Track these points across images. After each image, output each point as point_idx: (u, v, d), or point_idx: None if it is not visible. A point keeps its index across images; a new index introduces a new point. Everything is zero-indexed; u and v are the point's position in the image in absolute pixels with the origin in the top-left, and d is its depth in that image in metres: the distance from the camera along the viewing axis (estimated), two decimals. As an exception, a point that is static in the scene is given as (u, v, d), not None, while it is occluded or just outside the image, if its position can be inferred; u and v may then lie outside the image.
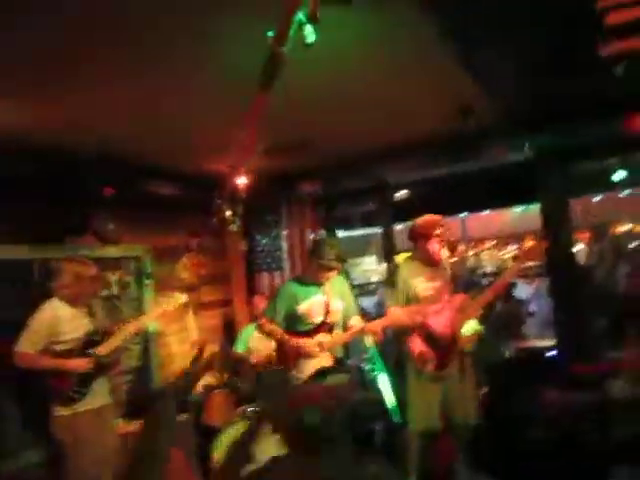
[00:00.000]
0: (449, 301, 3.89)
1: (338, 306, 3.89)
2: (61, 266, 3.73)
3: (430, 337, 3.81)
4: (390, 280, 4.26)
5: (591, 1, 2.57)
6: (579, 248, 9.02)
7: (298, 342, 3.75)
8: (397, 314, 3.74)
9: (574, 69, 3.39)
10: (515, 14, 2.68)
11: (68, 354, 3.59)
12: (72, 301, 3.66)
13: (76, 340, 3.63)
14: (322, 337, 3.79)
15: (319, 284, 3.84)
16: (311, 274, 3.89)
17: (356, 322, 3.92)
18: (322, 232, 5.98)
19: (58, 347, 3.57)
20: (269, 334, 3.95)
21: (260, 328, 3.98)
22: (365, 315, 4.01)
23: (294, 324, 3.86)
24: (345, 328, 3.93)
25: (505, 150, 4.77)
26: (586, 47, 2.99)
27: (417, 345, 3.81)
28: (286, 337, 3.81)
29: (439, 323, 3.80)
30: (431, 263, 3.87)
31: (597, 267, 8.85)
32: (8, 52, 2.58)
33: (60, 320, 3.57)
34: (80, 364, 3.59)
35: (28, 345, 3.48)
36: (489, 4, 2.58)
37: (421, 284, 3.84)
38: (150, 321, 4.08)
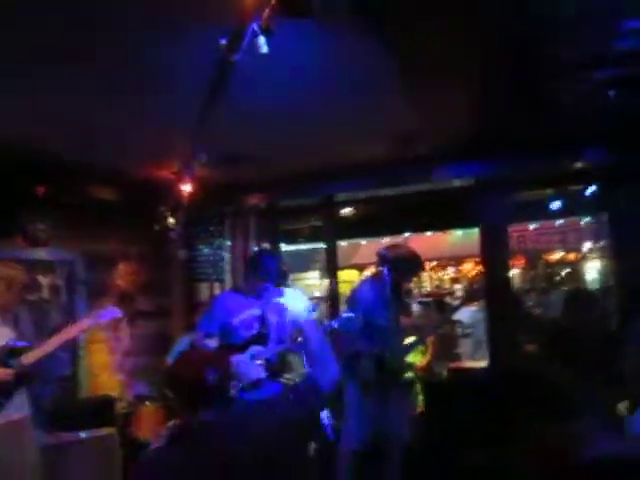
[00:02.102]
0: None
1: (273, 319, 3.88)
2: None
3: (379, 362, 3.87)
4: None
5: (537, 40, 2.69)
6: (514, 273, 9.35)
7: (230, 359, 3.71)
8: None
9: (517, 100, 3.52)
10: (461, 46, 2.76)
11: None
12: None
13: None
14: (255, 349, 3.78)
15: (256, 297, 3.83)
16: (248, 287, 3.87)
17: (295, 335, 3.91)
18: (266, 245, 5.94)
19: None
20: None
21: (196, 345, 3.91)
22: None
23: (228, 336, 3.83)
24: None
25: (448, 175, 4.90)
26: (529, 80, 3.13)
27: (366, 368, 3.87)
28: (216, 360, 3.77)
29: (387, 350, 3.87)
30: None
31: (530, 292, 9.21)
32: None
33: None
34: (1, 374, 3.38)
35: None
36: (436, 35, 2.65)
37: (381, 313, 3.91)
38: (80, 332, 3.88)
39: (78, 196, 4.80)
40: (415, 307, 7.98)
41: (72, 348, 4.86)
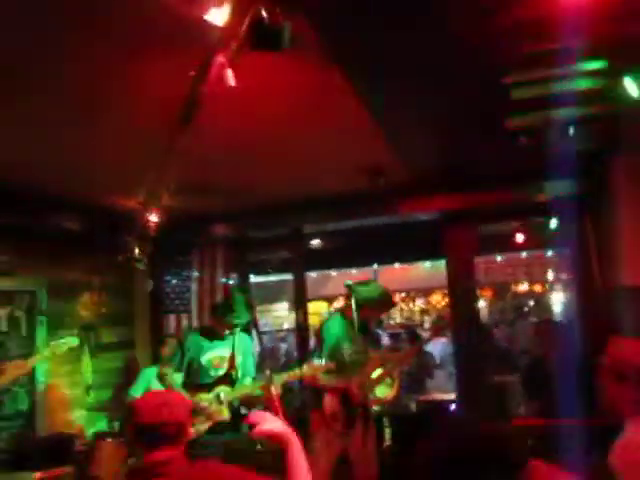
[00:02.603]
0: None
1: (240, 361, 3.87)
2: None
3: (345, 397, 3.83)
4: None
5: (497, 77, 2.77)
6: (482, 305, 9.46)
7: (194, 399, 3.63)
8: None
9: (482, 135, 3.61)
10: (426, 82, 2.83)
11: None
12: None
13: None
14: (221, 390, 3.73)
15: (224, 337, 3.82)
16: (216, 328, 3.88)
17: (248, 382, 3.89)
18: (234, 276, 5.89)
19: None
20: (166, 388, 3.83)
21: (161, 379, 3.84)
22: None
23: (196, 375, 3.79)
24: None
25: (414, 208, 4.97)
26: (493, 116, 3.21)
27: (330, 404, 3.80)
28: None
29: (355, 384, 3.85)
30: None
31: (498, 324, 9.30)
32: None
33: None
34: None
35: None
36: (402, 72, 2.71)
37: (349, 347, 3.90)
38: (37, 364, 3.77)
39: (41, 225, 4.69)
40: (385, 339, 7.99)
41: (29, 383, 4.69)
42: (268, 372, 3.66)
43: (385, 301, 4.07)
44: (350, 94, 2.81)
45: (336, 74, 2.59)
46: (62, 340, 3.89)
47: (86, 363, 5.27)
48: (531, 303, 11.16)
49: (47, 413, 4.85)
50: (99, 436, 4.66)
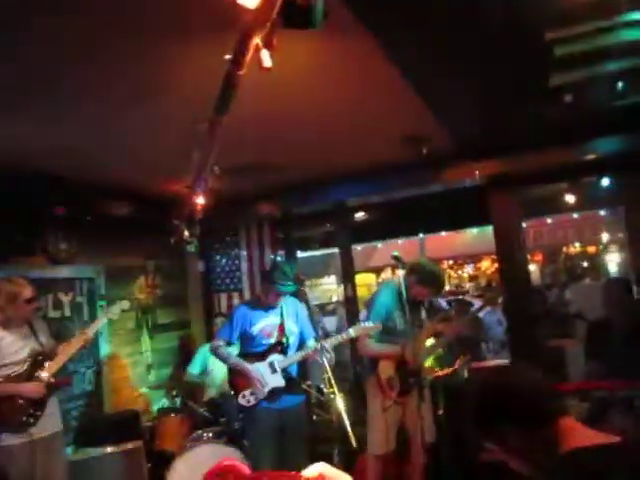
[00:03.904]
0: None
1: (292, 328, 3.91)
2: None
3: (400, 364, 3.86)
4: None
5: (539, 34, 2.68)
6: (533, 269, 9.27)
7: (249, 370, 3.74)
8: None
9: (524, 97, 3.51)
10: (466, 45, 2.77)
11: (17, 378, 3.45)
12: (8, 323, 3.51)
13: (22, 362, 3.49)
14: (275, 358, 3.80)
15: (273, 306, 3.86)
16: (265, 296, 3.91)
17: (312, 344, 3.92)
18: (281, 253, 5.97)
19: (5, 371, 3.43)
20: (223, 360, 3.93)
21: (213, 351, 3.94)
22: (327, 335, 4.01)
23: (248, 345, 3.88)
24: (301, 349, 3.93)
25: (459, 174, 4.89)
26: (536, 76, 3.12)
27: (386, 371, 3.85)
28: (237, 363, 3.81)
29: (409, 351, 3.86)
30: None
31: (551, 287, 9.11)
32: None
33: (1, 343, 3.44)
34: (31, 387, 3.45)
35: None
36: (440, 37, 2.66)
37: (400, 317, 3.91)
38: (93, 332, 3.94)
39: (97, 214, 4.87)
40: (437, 307, 7.96)
41: (94, 364, 4.93)
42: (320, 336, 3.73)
43: (439, 285, 4.06)
44: (389, 64, 2.77)
45: (374, 46, 2.56)
46: (114, 304, 4.08)
47: (145, 343, 5.50)
48: (584, 264, 10.88)
49: (112, 392, 5.10)
50: (162, 412, 4.88)
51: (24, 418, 3.41)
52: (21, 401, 3.41)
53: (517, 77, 3.21)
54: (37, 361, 3.56)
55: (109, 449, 4.13)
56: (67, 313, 4.80)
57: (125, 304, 4.12)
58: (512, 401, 1.43)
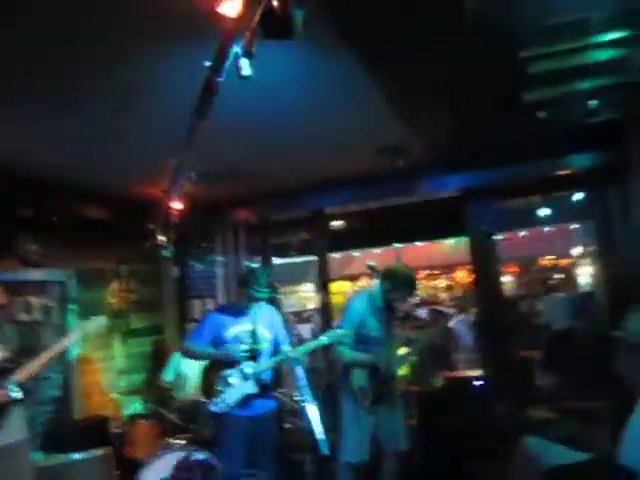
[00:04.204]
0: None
1: (265, 334, 3.88)
2: None
3: (372, 372, 3.88)
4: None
5: (514, 51, 2.75)
6: (506, 280, 9.40)
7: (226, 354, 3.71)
8: None
9: (499, 111, 3.57)
10: (441, 60, 2.82)
11: None
12: None
13: None
14: (247, 364, 3.77)
15: (246, 312, 3.84)
16: (239, 302, 3.90)
17: (288, 349, 3.91)
18: (257, 259, 5.96)
19: None
20: (195, 357, 3.90)
21: (185, 353, 3.91)
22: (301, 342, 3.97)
23: (220, 351, 3.83)
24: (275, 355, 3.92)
25: (434, 186, 4.96)
26: (510, 91, 3.18)
27: (359, 379, 3.87)
28: (214, 352, 3.78)
29: (382, 360, 3.88)
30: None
31: (524, 298, 9.23)
32: None
33: None
34: None
35: None
36: (416, 50, 2.70)
37: (374, 325, 3.92)
38: (69, 344, 3.88)
39: (69, 217, 4.80)
40: (409, 316, 8.02)
41: (64, 369, 4.85)
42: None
43: (410, 286, 4.05)
44: (366, 75, 2.81)
45: (352, 57, 2.60)
46: (92, 320, 4.00)
47: (117, 348, 5.43)
48: (559, 276, 11.04)
49: (82, 397, 5.02)
50: (133, 418, 4.82)
51: None
52: None
53: (493, 92, 3.27)
54: (6, 368, 3.48)
55: (78, 455, 4.07)
56: (38, 317, 4.72)
57: (101, 320, 4.03)
58: None
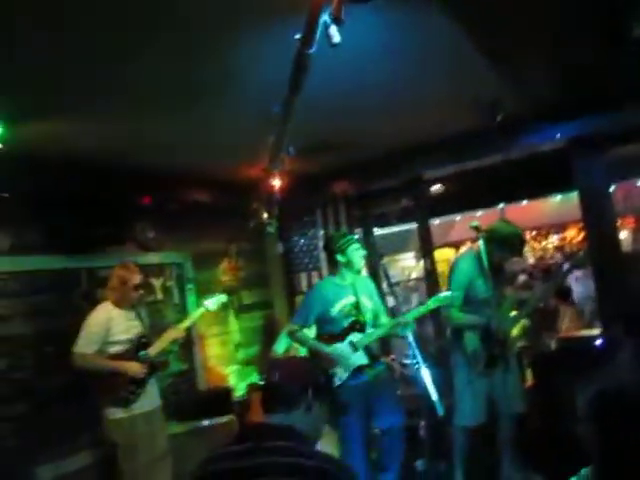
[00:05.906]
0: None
1: (367, 305, 3.91)
2: (112, 271, 3.89)
3: (485, 335, 3.81)
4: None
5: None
6: (623, 235, 8.76)
7: (327, 353, 3.76)
8: None
9: (605, 49, 3.30)
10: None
11: (122, 356, 3.72)
12: (119, 304, 3.80)
13: (128, 342, 3.77)
14: (354, 336, 3.82)
15: (347, 285, 3.88)
16: (339, 275, 3.93)
17: (385, 320, 3.94)
18: (358, 230, 5.99)
19: (112, 349, 3.71)
20: (301, 344, 4.01)
21: (290, 336, 4.03)
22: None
23: (326, 326, 3.90)
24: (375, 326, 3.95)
25: (537, 139, 4.68)
26: (618, 25, 2.93)
27: (471, 343, 3.82)
28: (316, 346, 3.85)
29: (494, 322, 3.81)
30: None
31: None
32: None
33: (113, 321, 3.73)
34: (137, 367, 3.71)
35: (85, 346, 3.62)
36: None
37: (482, 286, 3.84)
38: (195, 321, 4.21)
39: (181, 202, 5.11)
40: (520, 277, 7.74)
41: (187, 344, 5.19)
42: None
43: (517, 244, 3.89)
44: (454, 24, 2.69)
45: (440, 12, 2.51)
46: (214, 298, 4.27)
47: (232, 323, 5.73)
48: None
49: (204, 370, 5.37)
50: (252, 387, 5.10)
51: (125, 394, 3.68)
52: (123, 378, 3.68)
53: (596, 28, 3.03)
54: (140, 343, 3.83)
55: (206, 422, 4.39)
56: (159, 296, 5.09)
57: (222, 297, 4.30)
58: None
